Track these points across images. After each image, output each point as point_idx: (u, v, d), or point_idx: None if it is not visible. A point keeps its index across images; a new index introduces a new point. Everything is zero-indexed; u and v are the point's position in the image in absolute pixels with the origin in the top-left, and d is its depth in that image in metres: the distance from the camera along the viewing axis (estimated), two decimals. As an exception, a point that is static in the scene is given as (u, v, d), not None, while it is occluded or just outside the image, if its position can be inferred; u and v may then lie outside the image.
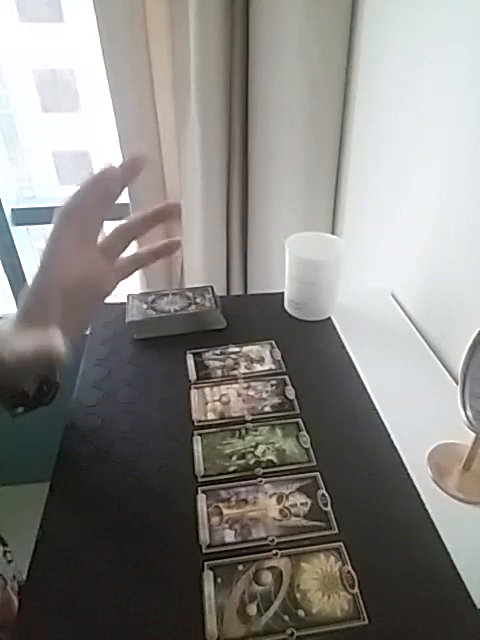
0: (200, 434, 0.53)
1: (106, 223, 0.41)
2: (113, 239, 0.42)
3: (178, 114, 1.06)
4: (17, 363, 0.38)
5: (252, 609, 0.38)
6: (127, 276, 0.44)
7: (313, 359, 0.65)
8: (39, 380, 0.49)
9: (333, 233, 1.15)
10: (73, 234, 0.38)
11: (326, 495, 0.46)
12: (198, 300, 0.70)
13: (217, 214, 1.13)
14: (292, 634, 0.37)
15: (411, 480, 0.48)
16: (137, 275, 1.30)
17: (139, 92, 1.03)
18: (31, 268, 1.42)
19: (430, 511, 0.45)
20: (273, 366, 0.63)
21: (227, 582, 0.40)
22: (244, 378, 0.61)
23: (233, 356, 0.65)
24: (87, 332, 0.70)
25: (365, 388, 0.59)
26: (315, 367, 0.63)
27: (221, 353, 0.65)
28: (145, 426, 0.55)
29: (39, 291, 0.39)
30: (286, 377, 0.61)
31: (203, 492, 0.47)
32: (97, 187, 0.38)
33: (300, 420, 0.55)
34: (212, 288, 0.73)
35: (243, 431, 0.53)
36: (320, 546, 0.42)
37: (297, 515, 0.45)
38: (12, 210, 1.31)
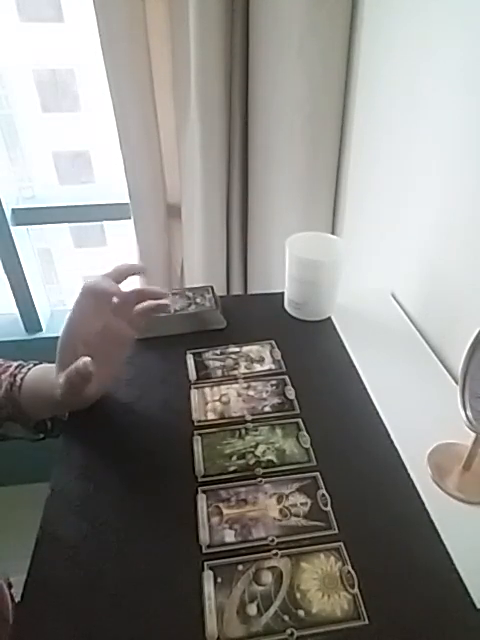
0: (200, 434, 0.53)
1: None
2: (121, 305, 0.53)
3: (178, 114, 1.06)
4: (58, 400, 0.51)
5: (252, 609, 0.38)
6: (138, 327, 0.56)
7: (313, 359, 0.65)
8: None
9: (333, 233, 1.15)
10: (90, 304, 0.50)
11: (326, 495, 0.46)
12: (198, 300, 0.70)
13: (217, 214, 1.13)
14: (292, 634, 0.37)
15: (411, 480, 0.48)
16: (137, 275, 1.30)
17: (139, 92, 1.03)
18: (31, 268, 1.42)
19: (430, 511, 0.45)
20: (273, 366, 0.63)
21: (227, 582, 0.40)
22: (244, 378, 0.61)
23: (233, 356, 0.65)
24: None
25: (365, 388, 0.59)
26: (315, 367, 0.63)
27: (221, 353, 0.65)
28: (145, 426, 0.55)
29: (66, 344, 0.50)
30: (286, 377, 0.61)
31: (203, 492, 0.47)
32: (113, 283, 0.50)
33: (300, 420, 0.55)
34: (212, 288, 0.73)
35: (243, 431, 0.53)
36: (320, 546, 0.42)
37: (297, 515, 0.45)
38: (12, 210, 1.31)
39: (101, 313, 0.51)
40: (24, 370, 0.57)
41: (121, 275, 0.52)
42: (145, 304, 0.54)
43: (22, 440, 0.59)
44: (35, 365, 0.58)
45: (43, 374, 0.55)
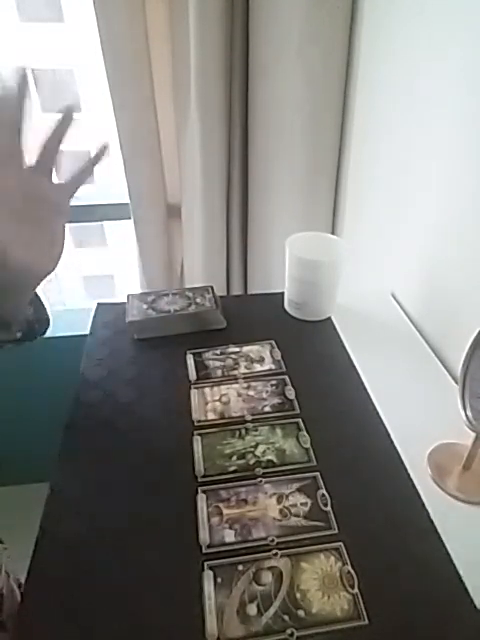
0: (200, 434, 0.53)
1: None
2: (41, 156, 0.42)
3: (178, 114, 1.06)
4: None
5: (252, 609, 0.38)
6: (73, 191, 0.44)
7: (313, 359, 0.65)
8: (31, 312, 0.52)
9: (333, 233, 1.15)
10: None
11: (326, 495, 0.46)
12: (198, 300, 0.70)
13: (217, 214, 1.13)
14: (292, 634, 0.37)
15: (411, 480, 0.48)
16: (137, 275, 1.30)
17: (139, 92, 1.03)
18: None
19: (430, 511, 0.45)
20: (273, 366, 0.63)
21: (227, 582, 0.40)
22: (244, 378, 0.61)
23: (233, 356, 0.65)
24: (87, 332, 0.70)
25: (365, 388, 0.59)
26: (315, 367, 0.63)
27: (221, 353, 0.65)
28: (145, 426, 0.55)
29: None
30: (286, 377, 0.61)
31: (203, 492, 0.47)
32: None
33: (300, 420, 0.55)
34: (212, 288, 0.73)
35: (243, 431, 0.53)
36: (320, 546, 0.42)
37: (297, 515, 0.45)
38: (12, 210, 1.30)
39: (8, 166, 0.40)
40: None
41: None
42: (76, 170, 0.43)
43: None
44: None
45: None
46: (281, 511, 0.45)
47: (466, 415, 0.45)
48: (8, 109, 0.39)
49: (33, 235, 0.41)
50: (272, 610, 0.38)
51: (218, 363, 0.63)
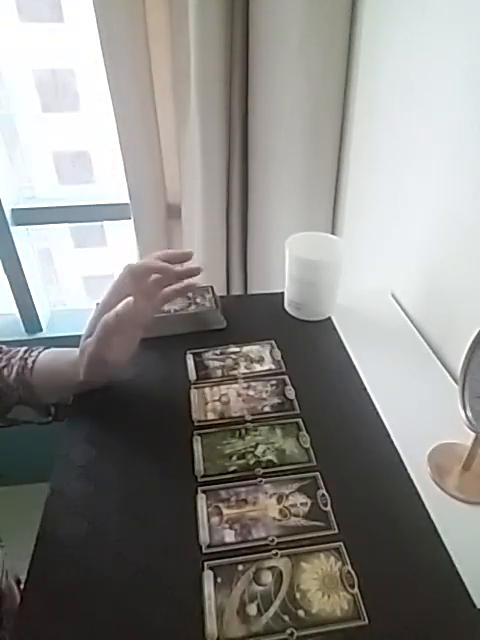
0: (200, 434, 0.53)
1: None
2: (150, 287, 0.51)
3: (178, 114, 1.06)
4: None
5: (252, 609, 0.38)
6: (158, 309, 0.55)
7: (313, 359, 0.65)
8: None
9: (333, 233, 1.15)
10: (126, 286, 0.51)
11: (326, 495, 0.46)
12: (198, 300, 0.70)
13: (217, 214, 1.13)
14: (292, 634, 0.37)
15: (411, 480, 0.48)
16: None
17: (139, 92, 1.03)
18: (31, 268, 1.42)
19: (430, 511, 0.45)
20: (273, 366, 0.63)
21: (227, 582, 0.40)
22: (244, 378, 0.61)
23: (233, 356, 0.65)
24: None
25: (365, 388, 0.59)
26: (315, 367, 0.63)
27: (221, 353, 0.65)
28: (145, 426, 0.55)
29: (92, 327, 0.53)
30: (286, 377, 0.61)
31: (203, 492, 0.47)
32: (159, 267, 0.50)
33: (300, 420, 0.55)
34: (212, 288, 0.73)
35: (243, 431, 0.53)
36: (320, 546, 0.42)
37: (297, 515, 0.45)
38: (12, 210, 1.31)
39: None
40: (34, 353, 0.59)
41: (171, 258, 0.52)
42: (169, 289, 0.54)
43: (28, 424, 0.62)
44: (46, 348, 0.60)
45: (56, 356, 0.58)
46: (281, 511, 0.45)
47: (466, 415, 0.45)
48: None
49: (122, 347, 0.53)
50: (272, 610, 0.38)
51: (218, 363, 0.63)
